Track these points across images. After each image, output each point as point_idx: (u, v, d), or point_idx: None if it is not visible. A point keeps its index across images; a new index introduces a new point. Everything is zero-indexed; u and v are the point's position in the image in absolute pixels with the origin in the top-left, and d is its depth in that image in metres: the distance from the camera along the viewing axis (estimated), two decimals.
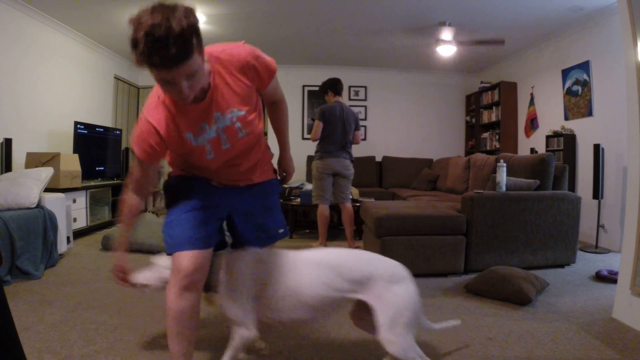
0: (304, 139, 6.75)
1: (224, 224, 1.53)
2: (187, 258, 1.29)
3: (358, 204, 4.13)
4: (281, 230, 1.62)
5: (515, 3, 4.00)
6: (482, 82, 6.40)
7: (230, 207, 1.47)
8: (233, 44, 1.27)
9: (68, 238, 3.55)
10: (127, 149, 5.60)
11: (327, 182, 3.82)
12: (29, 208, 2.99)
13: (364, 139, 6.85)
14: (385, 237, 2.95)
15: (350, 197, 4.01)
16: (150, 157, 1.25)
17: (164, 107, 1.21)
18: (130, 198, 1.36)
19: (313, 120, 3.92)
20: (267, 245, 1.57)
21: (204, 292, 1.43)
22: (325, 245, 3.94)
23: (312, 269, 1.38)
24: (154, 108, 1.22)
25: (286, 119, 1.60)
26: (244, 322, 1.37)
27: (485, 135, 6.35)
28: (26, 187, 3.03)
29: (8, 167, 3.64)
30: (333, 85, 3.93)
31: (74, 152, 4.38)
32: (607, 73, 4.03)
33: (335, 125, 3.79)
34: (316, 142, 3.89)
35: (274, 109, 1.57)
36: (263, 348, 1.77)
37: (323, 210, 3.86)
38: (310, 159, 5.88)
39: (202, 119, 1.24)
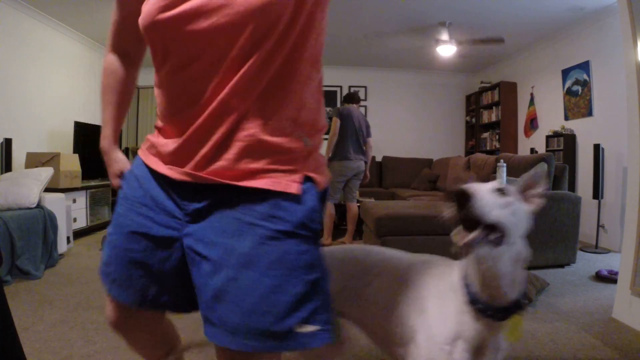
0: None
1: None
2: None
3: (358, 204, 4.14)
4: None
5: (515, 3, 4.00)
6: (482, 82, 6.40)
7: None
8: None
9: (68, 238, 3.55)
10: (127, 149, 5.60)
11: (341, 184, 4.02)
12: (29, 208, 2.98)
13: None
14: (385, 237, 2.95)
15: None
16: None
17: None
18: (107, 60, 0.95)
19: (330, 119, 4.05)
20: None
21: None
22: (331, 242, 4.00)
23: None
24: None
25: None
26: None
27: (485, 135, 6.34)
28: (26, 187, 3.03)
29: (8, 167, 3.64)
30: (346, 99, 4.23)
31: (74, 152, 4.38)
32: (607, 73, 4.03)
33: (351, 124, 3.96)
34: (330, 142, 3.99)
35: None
36: None
37: (329, 207, 3.99)
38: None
39: None
